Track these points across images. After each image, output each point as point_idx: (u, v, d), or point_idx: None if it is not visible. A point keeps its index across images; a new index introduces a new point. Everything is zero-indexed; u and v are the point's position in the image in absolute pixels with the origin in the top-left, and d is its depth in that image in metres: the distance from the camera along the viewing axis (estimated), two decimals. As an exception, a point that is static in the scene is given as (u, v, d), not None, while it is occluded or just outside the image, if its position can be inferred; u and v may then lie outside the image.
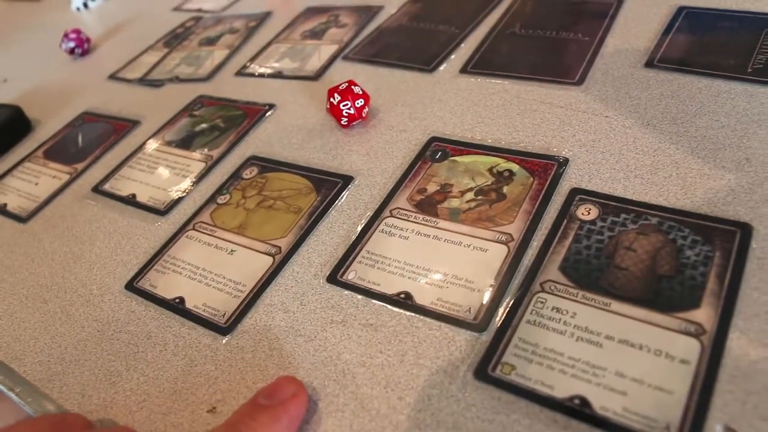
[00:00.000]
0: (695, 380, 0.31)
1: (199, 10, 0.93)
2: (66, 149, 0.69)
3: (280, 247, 0.46)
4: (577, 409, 0.32)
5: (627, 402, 0.31)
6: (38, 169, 0.67)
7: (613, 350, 0.34)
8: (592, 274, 0.38)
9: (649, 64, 0.54)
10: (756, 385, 0.31)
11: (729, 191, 0.41)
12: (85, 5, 1.09)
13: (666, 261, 0.37)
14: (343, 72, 0.66)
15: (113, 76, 0.82)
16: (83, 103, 0.78)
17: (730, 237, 0.38)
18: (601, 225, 0.40)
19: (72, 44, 0.90)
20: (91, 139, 0.69)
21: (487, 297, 0.38)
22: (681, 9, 0.59)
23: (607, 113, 0.50)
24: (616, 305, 0.36)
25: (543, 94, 0.54)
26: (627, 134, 0.48)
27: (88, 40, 0.91)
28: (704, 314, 0.34)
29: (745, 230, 0.38)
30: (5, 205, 0.63)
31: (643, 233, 0.39)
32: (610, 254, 0.38)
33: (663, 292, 0.36)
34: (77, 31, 0.90)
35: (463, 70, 0.60)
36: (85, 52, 0.91)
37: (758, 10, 0.56)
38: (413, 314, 0.39)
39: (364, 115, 0.56)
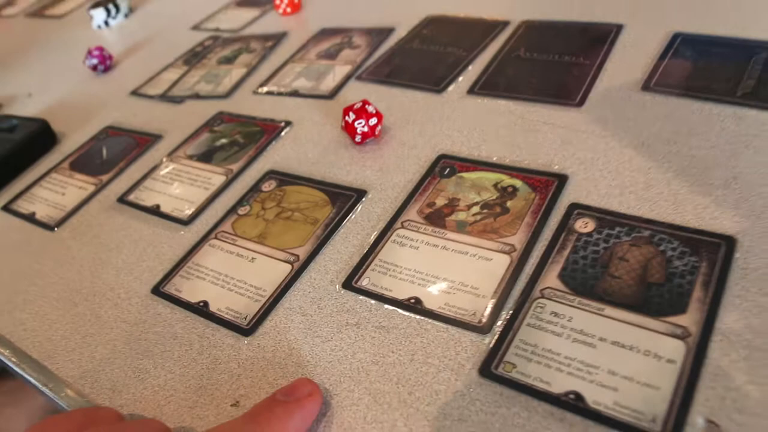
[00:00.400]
0: (680, 378, 0.34)
1: (217, 30, 0.97)
2: (91, 161, 0.73)
3: (298, 256, 0.50)
4: (572, 403, 0.35)
5: (618, 397, 0.34)
6: (65, 180, 0.71)
7: (605, 351, 0.37)
8: (588, 281, 0.41)
9: (646, 87, 0.57)
10: (735, 382, 0.34)
11: (716, 207, 0.44)
12: (106, 23, 1.14)
13: (656, 270, 0.40)
14: (356, 91, 0.69)
15: (135, 92, 0.85)
16: (106, 117, 0.81)
17: (715, 249, 0.41)
18: (597, 237, 0.44)
19: (95, 61, 0.94)
20: (115, 152, 0.73)
21: (491, 302, 0.41)
22: (676, 35, 0.63)
23: (605, 133, 0.53)
24: (609, 310, 0.39)
25: (545, 115, 0.57)
26: (623, 153, 0.51)
27: (110, 57, 0.95)
28: (690, 319, 0.37)
29: (729, 243, 0.41)
30: (34, 213, 0.67)
31: (636, 245, 0.42)
32: (605, 264, 0.42)
33: (653, 299, 0.39)
34: (100, 49, 0.94)
35: (471, 91, 0.63)
36: (107, 69, 0.95)
37: (747, 37, 0.59)
38: (422, 318, 0.42)
39: (377, 133, 0.59)
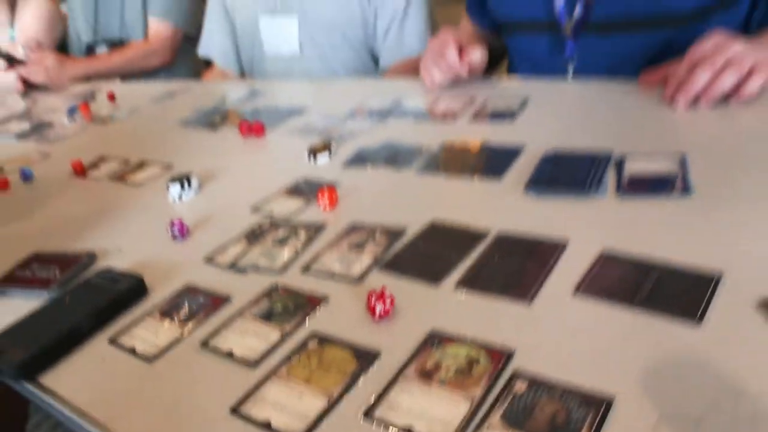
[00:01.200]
0: (564, 484, 0.58)
1: (271, 213, 1.26)
2: (177, 312, 0.98)
3: (333, 394, 0.74)
4: (499, 495, 0.58)
5: (526, 493, 0.58)
6: (157, 324, 0.96)
7: (523, 465, 0.61)
8: (519, 422, 0.65)
9: (576, 291, 0.84)
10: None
11: (608, 375, 0.69)
12: (180, 197, 1.44)
13: (561, 418, 0.65)
14: (378, 279, 0.96)
15: (208, 260, 1.13)
16: (185, 277, 1.07)
17: (598, 406, 0.65)
18: (528, 394, 0.68)
19: (176, 231, 1.22)
20: (194, 306, 0.99)
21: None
22: (602, 254, 0.90)
23: (543, 324, 0.80)
24: (528, 441, 0.63)
25: (505, 307, 0.84)
26: (555, 339, 0.77)
27: (188, 229, 1.23)
28: (576, 449, 0.61)
29: (601, 401, 0.66)
30: (134, 348, 0.91)
31: (550, 401, 0.67)
32: (530, 411, 0.66)
33: (556, 436, 0.63)
34: (180, 222, 1.22)
35: (458, 286, 0.90)
36: (184, 238, 1.23)
37: (648, 259, 0.87)
38: (413, 439, 0.66)
39: (390, 314, 0.85)
